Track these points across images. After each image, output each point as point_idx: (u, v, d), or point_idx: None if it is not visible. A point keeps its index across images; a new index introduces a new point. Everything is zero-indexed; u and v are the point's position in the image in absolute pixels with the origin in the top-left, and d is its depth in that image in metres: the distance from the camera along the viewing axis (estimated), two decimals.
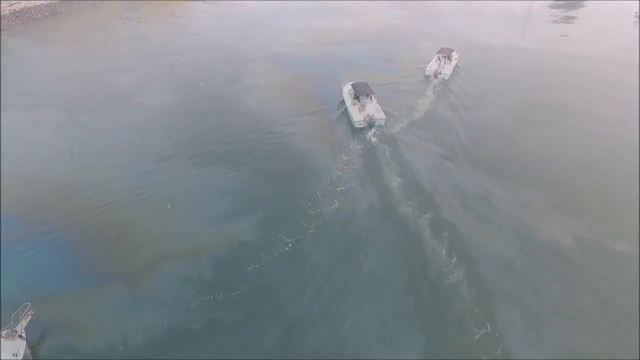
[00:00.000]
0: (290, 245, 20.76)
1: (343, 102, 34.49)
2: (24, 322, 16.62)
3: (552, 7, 69.20)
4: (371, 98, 33.17)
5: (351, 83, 34.84)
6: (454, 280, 18.56)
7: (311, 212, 22.74)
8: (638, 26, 56.47)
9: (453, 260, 19.26)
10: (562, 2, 71.79)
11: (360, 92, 32.75)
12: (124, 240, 21.56)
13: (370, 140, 29.03)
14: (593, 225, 21.20)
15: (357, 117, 30.84)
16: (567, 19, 61.58)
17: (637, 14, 61.19)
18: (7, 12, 55.70)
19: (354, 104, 32.42)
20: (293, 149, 28.50)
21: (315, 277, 19.20)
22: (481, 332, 16.68)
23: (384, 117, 31.09)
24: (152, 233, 21.85)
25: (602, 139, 29.18)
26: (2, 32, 50.74)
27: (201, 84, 38.63)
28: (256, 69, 41.61)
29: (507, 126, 31.03)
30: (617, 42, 49.72)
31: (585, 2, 72.11)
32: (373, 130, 30.21)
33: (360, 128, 30.64)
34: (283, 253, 20.33)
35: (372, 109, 31.81)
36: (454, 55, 41.40)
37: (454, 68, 39.67)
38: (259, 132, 30.61)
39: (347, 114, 32.90)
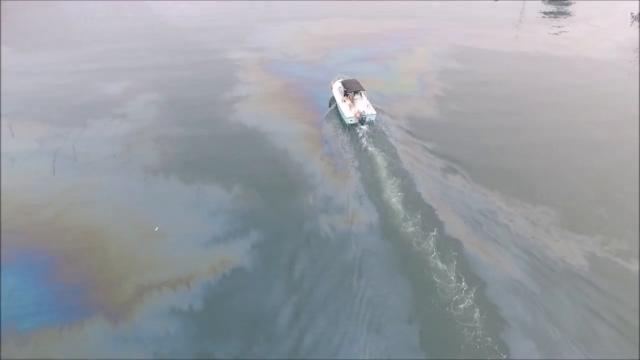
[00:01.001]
0: (285, 270, 19.46)
1: (333, 99, 34.82)
2: None
3: (544, 7, 68.96)
4: (361, 95, 33.53)
5: (341, 80, 35.19)
6: (463, 306, 17.51)
7: (307, 231, 21.53)
8: (639, 29, 56.22)
9: (462, 285, 18.14)
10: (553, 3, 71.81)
11: (350, 89, 33.01)
12: (108, 267, 20.15)
13: (364, 146, 28.06)
14: (606, 244, 20.25)
15: (348, 113, 31.28)
16: (559, 20, 61.19)
17: (634, 15, 60.99)
18: None
19: (344, 101, 32.87)
20: (287, 161, 27.23)
21: (313, 305, 17.94)
22: None
23: (375, 112, 31.69)
24: (138, 259, 20.46)
25: (609, 150, 28.25)
26: None
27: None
28: (247, 77, 40.39)
29: (507, 138, 30.00)
30: (614, 44, 49.43)
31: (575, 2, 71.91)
32: (365, 126, 30.65)
33: (351, 124, 31.14)
34: (278, 279, 19.02)
35: (362, 105, 32.34)
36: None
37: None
38: (252, 143, 29.35)
39: (338, 111, 33.40)
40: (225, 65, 43.94)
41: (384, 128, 30.47)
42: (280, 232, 21.65)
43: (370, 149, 27.90)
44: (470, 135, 30.10)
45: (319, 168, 26.50)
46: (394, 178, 24.91)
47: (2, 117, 33.70)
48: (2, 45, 51.63)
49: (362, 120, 30.79)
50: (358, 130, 30.05)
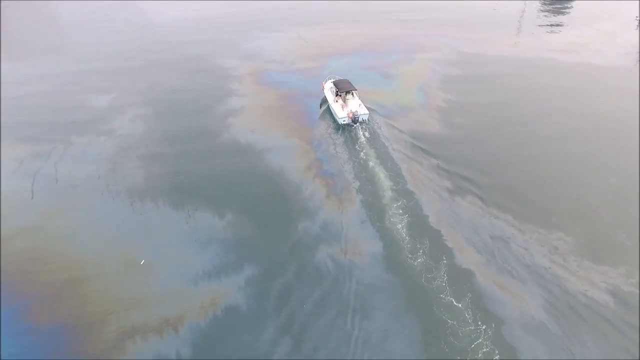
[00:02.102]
0: (279, 308, 17.91)
1: (325, 99, 34.94)
2: None
3: (545, 9, 67.91)
4: (353, 94, 33.54)
5: (332, 80, 35.37)
6: (480, 351, 16.11)
7: (303, 263, 20.04)
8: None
9: (478, 327, 16.71)
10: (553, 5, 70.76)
11: (342, 89, 33.06)
12: (88, 307, 18.57)
13: (364, 163, 26.68)
14: (630, 275, 18.87)
15: (341, 113, 31.40)
16: (562, 24, 60.17)
17: (638, 17, 60.14)
18: None
19: (336, 101, 32.86)
20: (281, 182, 25.77)
21: (310, 349, 16.49)
22: None
23: (367, 112, 31.88)
24: (121, 297, 18.90)
25: (626, 165, 26.88)
26: None
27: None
28: (240, 88, 38.97)
29: (514, 153, 28.67)
30: (621, 49, 48.40)
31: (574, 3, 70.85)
32: (357, 125, 30.86)
33: (344, 124, 31.20)
34: (272, 319, 17.48)
35: (355, 104, 32.41)
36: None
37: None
38: (245, 163, 27.87)
39: (330, 111, 33.44)
40: (218, 75, 42.48)
41: (385, 142, 29.05)
42: (275, 264, 20.09)
43: (370, 165, 26.53)
44: (477, 150, 28.77)
45: (316, 190, 25.03)
46: (398, 199, 23.48)
47: None
48: None
49: (354, 120, 30.85)
50: (358, 147, 28.64)
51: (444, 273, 18.91)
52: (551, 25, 59.40)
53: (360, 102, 33.03)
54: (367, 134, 30.11)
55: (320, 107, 35.02)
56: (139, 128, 32.50)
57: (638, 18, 60.20)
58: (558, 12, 66.59)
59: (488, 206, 23.23)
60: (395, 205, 23.13)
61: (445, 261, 19.48)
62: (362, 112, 31.53)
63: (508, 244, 20.75)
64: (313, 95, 37.08)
